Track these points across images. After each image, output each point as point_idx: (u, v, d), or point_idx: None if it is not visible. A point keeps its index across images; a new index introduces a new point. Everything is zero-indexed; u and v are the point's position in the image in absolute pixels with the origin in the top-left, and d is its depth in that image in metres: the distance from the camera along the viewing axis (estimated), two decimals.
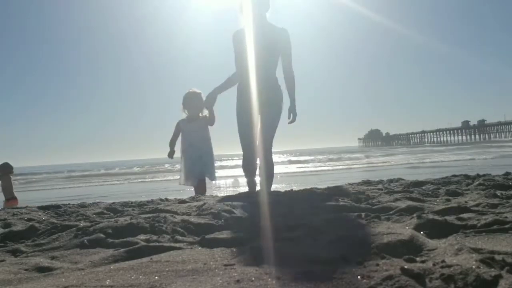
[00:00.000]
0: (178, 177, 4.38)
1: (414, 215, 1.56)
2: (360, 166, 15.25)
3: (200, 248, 1.30)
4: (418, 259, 1.02)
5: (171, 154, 4.31)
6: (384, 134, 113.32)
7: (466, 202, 1.96)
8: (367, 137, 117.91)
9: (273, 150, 3.40)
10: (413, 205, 1.87)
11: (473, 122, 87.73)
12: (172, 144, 4.32)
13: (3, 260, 1.28)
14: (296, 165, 17.82)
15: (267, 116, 3.29)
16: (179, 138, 4.32)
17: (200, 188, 4.09)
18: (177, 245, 1.35)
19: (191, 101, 4.18)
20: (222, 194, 3.04)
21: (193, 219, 1.75)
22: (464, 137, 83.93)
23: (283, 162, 21.33)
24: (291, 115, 3.38)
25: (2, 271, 1.13)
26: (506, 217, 1.45)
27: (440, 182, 2.94)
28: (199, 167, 4.13)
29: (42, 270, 1.16)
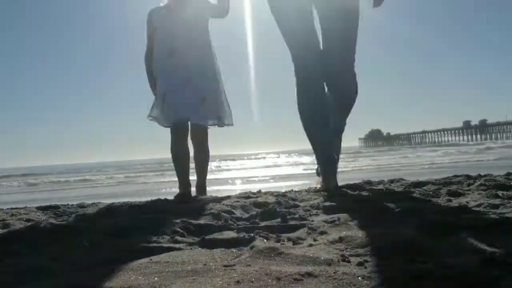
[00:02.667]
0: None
1: (415, 215, 1.56)
2: (361, 166, 15.24)
3: (199, 248, 1.30)
4: (419, 259, 1.02)
5: (153, 85, 2.38)
6: (385, 134, 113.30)
7: (467, 202, 1.96)
8: (367, 137, 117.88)
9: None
10: (414, 205, 1.86)
11: (475, 122, 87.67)
12: (148, 62, 2.42)
13: (1, 261, 1.28)
14: (295, 166, 17.80)
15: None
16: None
17: (198, 137, 2.39)
18: (177, 245, 1.34)
19: None
20: (222, 194, 3.03)
21: (192, 219, 1.75)
22: (465, 137, 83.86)
23: (281, 163, 21.32)
24: None
25: (1, 272, 1.13)
26: (507, 217, 1.45)
27: (441, 183, 2.93)
28: (189, 98, 2.25)
29: (41, 271, 1.15)
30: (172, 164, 2.54)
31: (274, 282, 0.90)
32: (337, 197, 2.37)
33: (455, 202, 1.98)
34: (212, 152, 2.57)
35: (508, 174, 3.23)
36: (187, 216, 1.90)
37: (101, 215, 2.24)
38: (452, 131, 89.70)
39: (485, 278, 0.84)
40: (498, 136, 76.07)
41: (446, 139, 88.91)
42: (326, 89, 2.19)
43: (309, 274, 0.93)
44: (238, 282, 0.91)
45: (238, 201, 2.31)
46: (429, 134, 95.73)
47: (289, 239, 1.36)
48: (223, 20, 2.48)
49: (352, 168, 14.24)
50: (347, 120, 2.59)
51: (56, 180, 17.10)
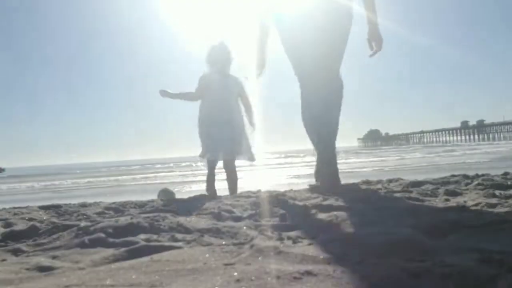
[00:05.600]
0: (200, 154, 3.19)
1: (413, 214, 1.57)
2: (359, 166, 15.25)
3: (200, 247, 1.31)
4: (417, 258, 1.03)
5: (164, 92, 3.19)
6: (383, 134, 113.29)
7: (465, 201, 1.97)
8: (366, 137, 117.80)
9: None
10: (413, 204, 1.88)
11: (472, 122, 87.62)
12: (177, 95, 3.25)
13: (4, 260, 1.28)
14: (294, 166, 17.79)
15: (329, 37, 2.50)
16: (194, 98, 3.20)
17: (229, 169, 3.20)
18: (177, 244, 1.35)
19: (220, 54, 3.22)
20: (224, 193, 3.04)
21: (193, 218, 1.75)
22: (463, 137, 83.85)
23: (281, 164, 21.31)
24: (374, 43, 2.60)
25: (3, 271, 1.14)
26: (505, 216, 1.46)
27: (439, 182, 2.95)
28: (228, 140, 3.10)
29: (43, 269, 1.16)
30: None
31: (274, 281, 0.90)
32: (336, 196, 2.38)
33: (453, 202, 1.99)
34: None
35: (505, 174, 3.24)
36: (187, 215, 1.91)
37: (102, 214, 2.25)
38: (450, 131, 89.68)
39: (482, 277, 0.85)
40: (496, 136, 76.06)
41: (444, 139, 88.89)
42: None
43: (308, 273, 0.93)
44: (238, 280, 0.92)
45: (238, 201, 2.32)
46: (427, 134, 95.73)
47: (288, 238, 1.36)
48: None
49: (351, 168, 14.25)
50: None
51: (57, 179, 17.07)
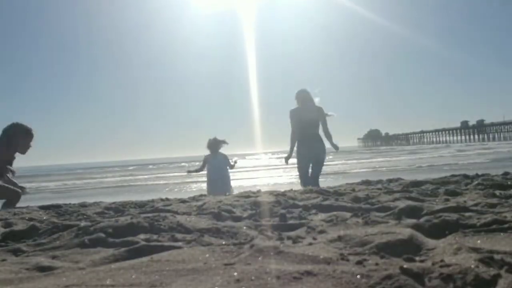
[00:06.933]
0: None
1: (413, 214, 1.57)
2: (359, 166, 15.26)
3: (200, 247, 1.31)
4: (417, 258, 1.03)
5: (189, 172, 6.86)
6: (383, 134, 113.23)
7: (465, 201, 1.97)
8: (366, 137, 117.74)
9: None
10: (412, 204, 1.88)
11: (472, 122, 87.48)
12: (194, 171, 6.60)
13: (4, 260, 1.28)
14: (294, 166, 17.77)
15: (319, 159, 5.28)
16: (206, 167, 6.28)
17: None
18: (177, 244, 1.35)
19: (214, 145, 6.29)
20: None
21: (193, 218, 1.75)
22: (463, 137, 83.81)
23: (281, 164, 21.29)
24: (334, 148, 5.71)
25: (3, 271, 1.14)
26: (505, 216, 1.46)
27: (439, 182, 2.95)
28: (220, 187, 5.83)
29: (43, 269, 1.16)
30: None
31: (273, 281, 0.90)
32: (336, 196, 2.38)
33: (452, 202, 2.00)
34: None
35: (506, 173, 3.25)
36: (187, 215, 1.91)
37: (102, 214, 2.25)
38: (450, 131, 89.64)
39: (482, 277, 0.85)
40: (496, 136, 76.03)
41: (444, 139, 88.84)
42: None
43: (308, 273, 0.93)
44: (238, 280, 0.92)
45: (238, 200, 2.32)
46: (427, 134, 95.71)
47: (289, 238, 1.36)
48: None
49: (351, 168, 14.24)
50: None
51: (58, 180, 17.06)
